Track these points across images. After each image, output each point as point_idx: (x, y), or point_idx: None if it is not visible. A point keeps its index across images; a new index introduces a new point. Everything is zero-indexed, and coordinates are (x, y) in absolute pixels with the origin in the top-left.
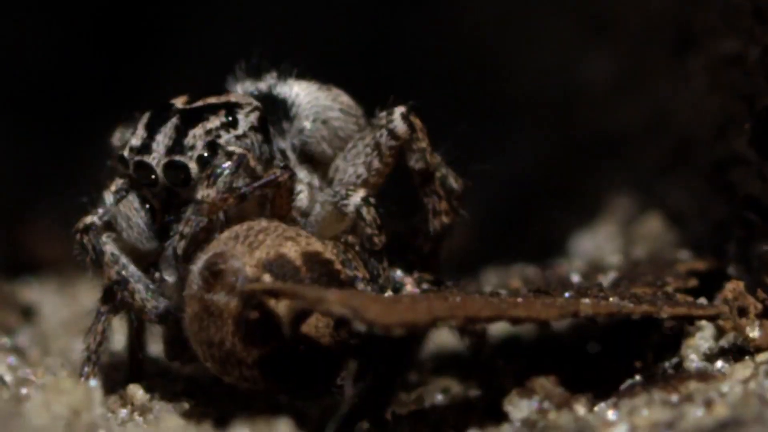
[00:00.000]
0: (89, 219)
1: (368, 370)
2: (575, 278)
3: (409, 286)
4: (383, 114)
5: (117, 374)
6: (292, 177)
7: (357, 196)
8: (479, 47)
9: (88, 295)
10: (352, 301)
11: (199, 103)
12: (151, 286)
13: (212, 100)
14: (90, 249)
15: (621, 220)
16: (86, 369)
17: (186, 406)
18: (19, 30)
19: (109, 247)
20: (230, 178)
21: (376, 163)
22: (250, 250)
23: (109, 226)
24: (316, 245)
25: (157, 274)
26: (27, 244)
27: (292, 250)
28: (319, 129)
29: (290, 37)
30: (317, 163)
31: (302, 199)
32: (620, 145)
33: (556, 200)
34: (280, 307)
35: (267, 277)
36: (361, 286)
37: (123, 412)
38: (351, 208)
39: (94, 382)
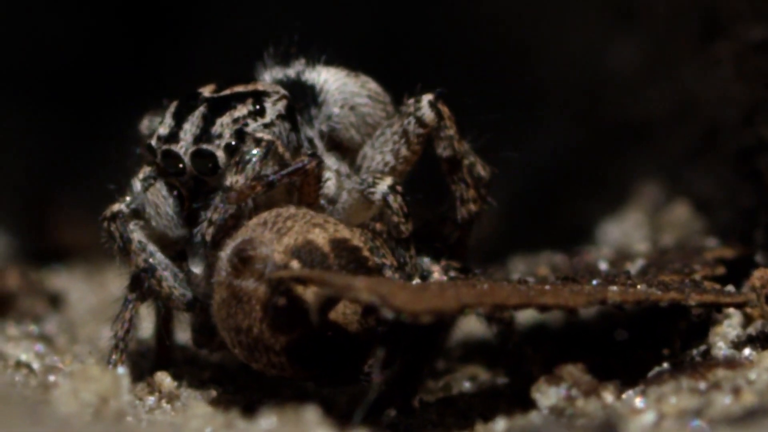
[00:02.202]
0: (116, 207)
1: (396, 358)
2: (603, 266)
3: (437, 274)
4: (411, 101)
5: (144, 362)
6: (320, 164)
7: (384, 184)
8: (505, 34)
9: (115, 282)
10: (380, 289)
11: (227, 92)
12: (179, 274)
13: (239, 88)
14: (117, 237)
15: (648, 207)
16: (114, 357)
17: (213, 393)
18: (45, 16)
19: (137, 235)
20: (259, 165)
21: (403, 151)
22: (279, 237)
23: (137, 213)
24: (344, 232)
25: (185, 263)
26: (54, 231)
27: (320, 237)
28: (347, 115)
29: (316, 22)
30: (345, 149)
31: (330, 186)
32: (647, 133)
33: (583, 188)
34: (308, 294)
35: (295, 264)
36: (388, 273)
37: (151, 400)
38: (378, 196)
39: (121, 370)
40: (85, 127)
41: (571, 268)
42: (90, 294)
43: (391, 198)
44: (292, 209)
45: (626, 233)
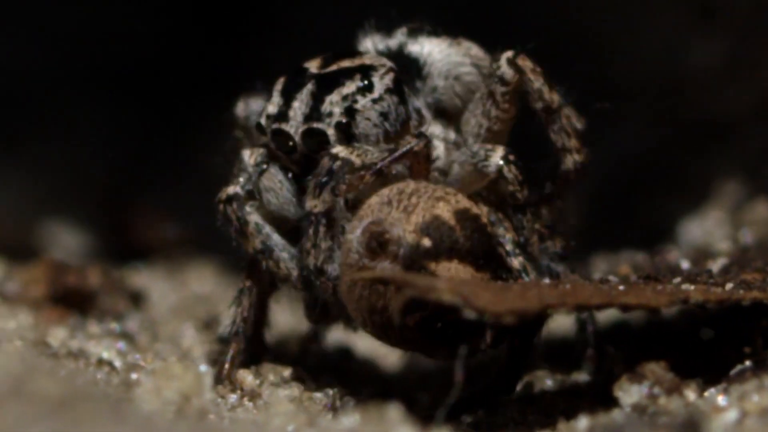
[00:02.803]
0: (232, 189)
1: (507, 340)
2: (684, 264)
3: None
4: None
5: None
6: (428, 144)
7: (497, 156)
8: (585, 31)
9: (196, 280)
10: (463, 289)
11: (333, 68)
12: (296, 254)
13: (346, 63)
14: (234, 219)
15: (729, 205)
16: (231, 347)
17: (296, 391)
18: (124, 15)
19: (253, 217)
20: (333, 188)
21: (494, 111)
22: (406, 215)
23: (252, 195)
24: (464, 201)
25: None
26: (135, 229)
27: (444, 211)
28: (451, 86)
29: (394, 15)
30: (450, 116)
31: (440, 156)
32: (728, 130)
33: (664, 186)
34: (440, 270)
35: (426, 241)
36: (509, 247)
37: (233, 398)
38: (492, 169)
39: (203, 368)
40: (166, 126)
41: (652, 267)
42: (171, 292)
43: (505, 169)
44: (412, 184)
45: (707, 231)
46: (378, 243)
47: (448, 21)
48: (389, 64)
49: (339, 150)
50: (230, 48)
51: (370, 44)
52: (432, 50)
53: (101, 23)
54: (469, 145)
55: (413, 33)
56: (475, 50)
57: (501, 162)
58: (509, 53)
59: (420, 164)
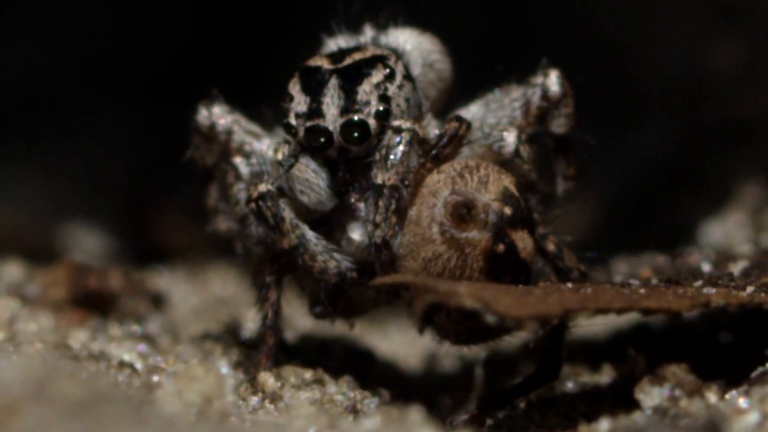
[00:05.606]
0: (263, 187)
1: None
2: (705, 267)
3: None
4: (537, 73)
5: (247, 362)
6: (469, 126)
7: (512, 136)
8: (608, 35)
9: (217, 283)
10: (484, 294)
11: (349, 61)
12: (329, 246)
13: (358, 56)
14: (269, 216)
15: (750, 208)
16: (269, 341)
17: (317, 393)
18: (146, 18)
19: (288, 213)
20: (405, 158)
21: (519, 120)
22: (483, 185)
23: (282, 192)
24: (510, 176)
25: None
26: (157, 232)
27: (507, 182)
28: (427, 73)
29: (421, 21)
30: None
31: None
32: (749, 133)
33: (684, 188)
34: (517, 239)
35: (508, 209)
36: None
37: (254, 400)
38: (510, 149)
39: (225, 370)
40: (188, 129)
41: (673, 270)
42: (192, 294)
43: (521, 148)
44: (469, 160)
45: (728, 234)
46: (465, 210)
47: (476, 29)
48: (391, 53)
49: (401, 122)
50: (253, 51)
51: (343, 44)
52: (406, 40)
53: (123, 26)
54: (479, 127)
55: (382, 26)
56: (436, 39)
57: (517, 141)
58: (558, 71)
59: (456, 146)
